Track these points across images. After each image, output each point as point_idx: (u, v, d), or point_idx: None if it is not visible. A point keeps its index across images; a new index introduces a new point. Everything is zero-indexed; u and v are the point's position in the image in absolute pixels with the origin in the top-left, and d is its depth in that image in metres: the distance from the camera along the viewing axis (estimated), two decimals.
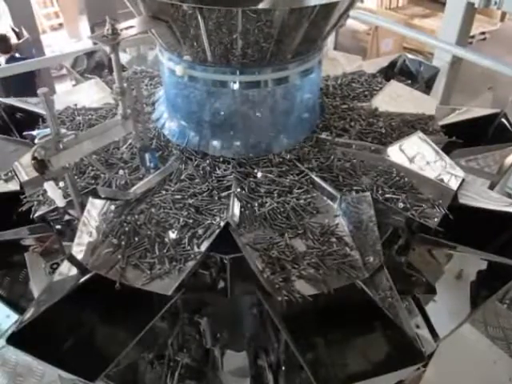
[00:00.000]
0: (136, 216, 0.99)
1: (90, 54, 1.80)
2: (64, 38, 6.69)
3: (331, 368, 0.72)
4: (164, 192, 1.04)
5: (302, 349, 0.74)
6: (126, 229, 0.96)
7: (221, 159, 1.11)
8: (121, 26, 0.87)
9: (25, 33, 5.02)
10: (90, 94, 1.37)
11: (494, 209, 1.08)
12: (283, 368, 0.97)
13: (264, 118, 1.11)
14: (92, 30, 5.52)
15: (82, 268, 0.88)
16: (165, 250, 0.91)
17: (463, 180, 1.09)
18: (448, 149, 1.23)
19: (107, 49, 0.84)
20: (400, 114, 1.34)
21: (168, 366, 0.97)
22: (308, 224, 0.96)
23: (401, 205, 1.03)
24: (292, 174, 1.07)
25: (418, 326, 1.12)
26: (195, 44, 1.00)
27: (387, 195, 1.05)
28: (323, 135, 1.21)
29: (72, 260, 0.88)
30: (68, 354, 0.72)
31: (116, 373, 1.04)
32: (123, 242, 0.93)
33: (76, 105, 1.33)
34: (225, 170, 1.08)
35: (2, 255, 1.25)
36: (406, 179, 1.09)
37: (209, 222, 0.96)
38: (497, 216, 1.07)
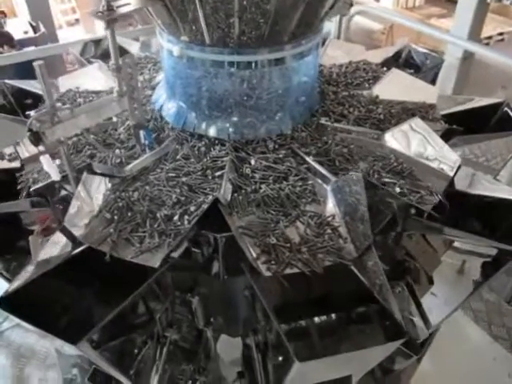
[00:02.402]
0: (130, 193, 1.00)
1: (97, 42, 1.83)
2: (80, 33, 6.79)
3: (310, 340, 0.72)
4: (159, 170, 1.05)
5: (284, 322, 0.74)
6: (120, 204, 0.97)
7: (216, 141, 1.11)
8: (117, 3, 0.88)
9: (41, 27, 5.14)
10: (93, 77, 1.40)
11: (492, 195, 1.07)
12: (270, 347, 0.97)
13: (260, 100, 1.11)
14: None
15: (73, 240, 0.90)
16: (155, 225, 0.92)
17: (460, 166, 1.08)
18: (447, 136, 1.22)
19: (103, 24, 0.85)
20: (400, 102, 1.34)
21: (157, 342, 0.98)
22: (303, 212, 0.96)
23: (397, 189, 1.02)
24: (288, 159, 1.07)
25: (410, 313, 1.11)
26: (192, 24, 1.01)
27: (384, 179, 1.04)
28: (322, 120, 1.21)
29: (64, 232, 0.90)
30: (53, 319, 0.74)
31: (112, 350, 1.06)
32: (116, 217, 0.95)
33: (78, 87, 1.35)
34: (220, 151, 1.09)
35: (8, 238, 1.27)
36: (404, 165, 1.09)
37: (201, 199, 0.97)
38: (495, 203, 1.06)
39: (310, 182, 1.03)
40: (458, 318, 2.09)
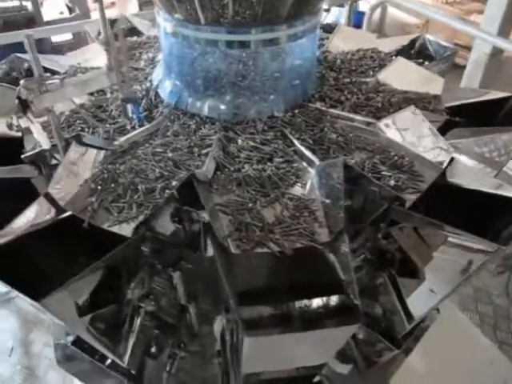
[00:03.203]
0: (117, 165, 1.03)
1: (113, 22, 1.86)
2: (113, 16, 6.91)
3: (264, 318, 0.72)
4: (148, 145, 1.07)
5: (242, 299, 0.74)
6: (106, 176, 1.00)
7: (208, 120, 1.12)
8: None
9: (77, 9, 5.28)
10: (98, 54, 1.42)
11: (484, 190, 1.03)
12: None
13: (253, 80, 1.11)
14: (140, 9, 5.75)
15: (56, 206, 0.93)
16: (135, 197, 0.94)
17: (453, 158, 1.05)
18: (446, 128, 1.19)
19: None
20: (403, 92, 1.30)
21: (132, 312, 1.01)
22: (283, 194, 0.95)
23: (392, 182, 1.00)
24: (276, 141, 1.07)
25: (392, 306, 1.09)
26: (186, 2, 1.01)
27: (381, 172, 1.02)
28: (317, 105, 1.20)
29: (47, 197, 0.93)
30: (21, 276, 0.77)
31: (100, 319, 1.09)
32: (99, 187, 0.97)
33: (79, 63, 1.38)
34: (209, 130, 1.09)
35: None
36: (405, 159, 1.06)
37: (183, 175, 0.98)
38: (487, 198, 1.02)
39: (295, 165, 1.03)
40: (460, 318, 2.04)
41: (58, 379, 1.73)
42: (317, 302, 0.75)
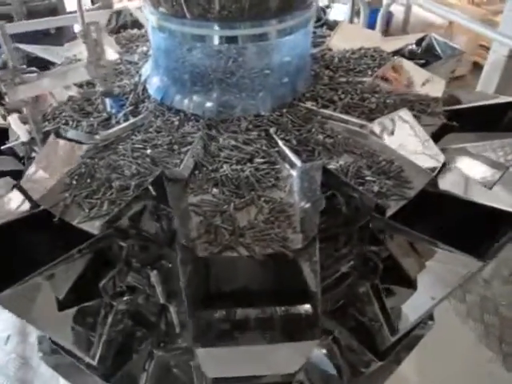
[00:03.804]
0: (96, 160, 1.01)
1: (118, 14, 1.86)
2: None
3: (218, 328, 0.69)
4: (128, 141, 1.05)
5: (197, 305, 0.72)
6: (82, 170, 0.98)
7: (192, 117, 1.10)
8: None
9: (99, 1, 5.33)
10: None
11: (476, 201, 0.98)
12: None
13: (240, 77, 1.08)
14: None
15: (29, 199, 0.92)
16: (108, 194, 0.92)
17: (444, 164, 1.00)
18: (442, 132, 1.13)
19: None
20: (401, 93, 1.25)
21: (105, 310, 0.99)
22: (259, 197, 0.92)
23: (375, 188, 0.96)
24: (260, 141, 1.03)
25: (374, 316, 1.05)
26: None
27: (365, 177, 0.97)
28: (307, 104, 1.16)
29: (21, 191, 0.92)
30: None
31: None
32: (74, 182, 0.96)
33: (75, 55, 1.37)
34: (192, 127, 1.07)
35: None
36: (394, 165, 1.01)
37: (159, 172, 0.96)
38: (479, 209, 0.97)
39: (276, 167, 0.99)
40: (458, 328, 1.97)
41: (51, 371, 1.74)
42: (275, 313, 0.72)
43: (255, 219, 0.88)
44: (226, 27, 1.02)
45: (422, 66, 1.49)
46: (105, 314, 0.99)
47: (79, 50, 1.43)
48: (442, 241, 0.92)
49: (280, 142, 1.03)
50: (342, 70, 1.33)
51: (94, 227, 0.85)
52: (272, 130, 1.06)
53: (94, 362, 0.99)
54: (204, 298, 0.75)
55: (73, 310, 0.94)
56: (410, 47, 1.58)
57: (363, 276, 1.04)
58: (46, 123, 1.09)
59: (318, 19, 1.56)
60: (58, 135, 0.98)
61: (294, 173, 0.97)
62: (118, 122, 1.09)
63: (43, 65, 1.43)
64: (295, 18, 1.06)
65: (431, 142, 1.02)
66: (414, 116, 1.09)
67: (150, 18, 1.07)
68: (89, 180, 0.96)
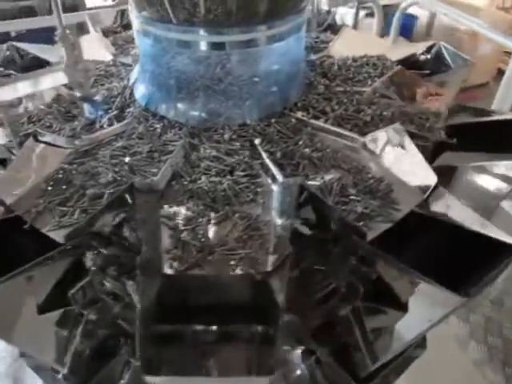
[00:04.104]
0: (75, 166, 0.99)
1: (122, 13, 1.84)
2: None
3: (171, 353, 0.66)
4: (109, 147, 1.02)
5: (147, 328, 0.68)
6: (60, 176, 0.96)
7: (176, 124, 1.06)
8: None
9: None
10: (90, 47, 1.39)
11: (469, 228, 0.91)
12: None
13: (227, 85, 1.04)
14: None
15: (1, 204, 0.90)
16: (81, 202, 0.90)
17: (437, 186, 0.94)
18: (439, 149, 1.07)
19: None
20: (401, 105, 1.19)
21: (74, 319, 0.97)
22: (234, 212, 0.88)
23: (359, 209, 0.90)
24: (243, 152, 0.99)
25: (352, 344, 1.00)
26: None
27: (350, 196, 0.92)
28: (298, 114, 1.11)
29: None
30: None
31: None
32: (50, 188, 0.94)
33: None
34: (174, 135, 1.03)
35: None
36: (383, 183, 0.95)
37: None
38: (470, 236, 0.90)
39: (257, 180, 0.95)
40: (454, 350, 1.89)
41: None
42: (231, 342, 0.68)
43: (227, 236, 0.84)
44: (212, 33, 0.98)
45: (429, 75, 1.43)
46: (75, 324, 0.97)
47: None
48: (427, 269, 0.86)
49: (264, 154, 0.98)
50: (340, 79, 1.28)
51: (60, 236, 0.83)
52: (257, 141, 1.02)
53: (64, 371, 0.97)
54: (159, 320, 0.72)
55: (41, 319, 0.92)
56: (420, 56, 1.52)
57: (345, 298, 0.99)
58: (31, 125, 1.08)
59: (321, 23, 1.51)
60: (36, 139, 0.96)
61: (274, 188, 0.93)
62: (101, 127, 1.07)
63: (41, 64, 1.43)
64: (286, 23, 1.02)
65: (423, 161, 0.96)
66: (409, 132, 1.03)
67: (134, 22, 1.04)
68: (64, 186, 0.94)
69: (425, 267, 0.85)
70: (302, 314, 0.94)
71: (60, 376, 1.10)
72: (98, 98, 1.04)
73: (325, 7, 1.53)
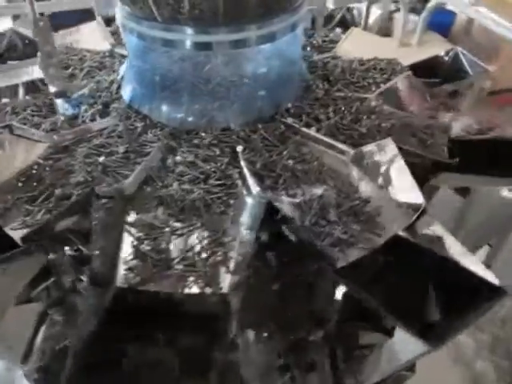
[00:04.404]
0: (51, 162, 0.96)
1: None
2: None
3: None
4: (87, 144, 0.99)
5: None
6: (33, 172, 0.94)
7: (158, 125, 1.02)
8: None
9: None
10: (89, 37, 1.37)
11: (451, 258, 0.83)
12: None
13: (214, 86, 0.98)
14: None
15: None
16: (47, 202, 0.87)
17: (425, 210, 0.85)
18: (435, 168, 0.98)
19: None
20: (404, 116, 1.10)
21: (39, 318, 0.96)
22: (202, 224, 0.83)
23: (336, 233, 0.81)
24: (221, 159, 0.94)
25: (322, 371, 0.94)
26: None
27: (330, 217, 0.85)
28: (289, 121, 1.04)
29: None
30: None
31: None
32: (20, 184, 0.92)
33: (71, 44, 1.33)
34: (154, 136, 0.99)
35: None
36: (369, 204, 0.88)
37: (104, 185, 0.89)
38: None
39: (231, 191, 0.89)
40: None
41: None
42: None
43: (189, 251, 0.79)
44: (198, 32, 0.92)
45: (443, 83, 1.33)
46: (38, 323, 0.96)
47: (75, 38, 1.39)
48: (402, 303, 0.79)
49: (243, 163, 0.93)
50: (342, 83, 1.19)
51: (18, 236, 0.81)
52: (239, 149, 0.96)
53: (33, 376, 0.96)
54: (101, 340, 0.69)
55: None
56: (437, 61, 1.42)
57: (317, 323, 0.94)
58: (13, 116, 1.06)
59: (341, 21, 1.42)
60: (11, 132, 0.94)
61: (248, 200, 0.87)
62: (83, 122, 1.04)
63: None
64: (279, 22, 0.95)
65: (413, 183, 0.88)
66: (401, 148, 0.94)
67: (117, 16, 0.99)
68: (35, 183, 0.92)
69: (399, 301, 0.78)
70: (270, 336, 0.89)
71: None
72: (81, 92, 1.00)
73: (330, 5, 1.43)
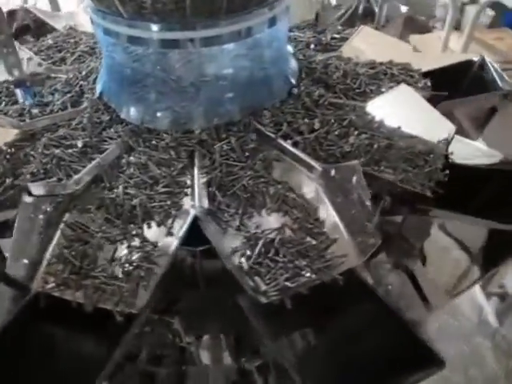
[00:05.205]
0: (12, 149, 0.95)
1: None
2: None
3: None
4: (49, 134, 0.97)
5: None
6: None
7: (123, 121, 0.97)
8: None
9: None
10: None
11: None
12: None
13: (181, 85, 0.92)
14: None
15: None
16: None
17: (378, 250, 0.74)
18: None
19: None
20: (404, 136, 0.95)
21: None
22: (136, 234, 0.78)
23: (280, 272, 0.73)
24: (173, 163, 0.87)
25: None
26: None
27: (277, 256, 0.75)
28: (265, 130, 0.94)
29: None
30: None
31: None
32: None
33: (75, 25, 1.32)
34: (116, 132, 0.95)
35: None
36: (327, 239, 0.77)
37: (55, 179, 0.87)
38: None
39: (176, 200, 0.83)
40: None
41: None
42: None
43: (112, 262, 0.75)
44: (164, 29, 0.85)
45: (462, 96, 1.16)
46: None
47: (79, 19, 1.38)
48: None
49: (196, 173, 0.85)
50: (341, 89, 1.07)
51: None
52: (197, 154, 0.89)
53: None
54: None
55: None
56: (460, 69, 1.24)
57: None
58: None
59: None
60: None
61: (192, 212, 0.80)
62: (52, 111, 1.02)
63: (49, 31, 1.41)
64: (256, 17, 0.86)
65: (374, 218, 0.77)
66: (373, 177, 0.83)
67: (87, 11, 0.95)
68: None
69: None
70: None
71: None
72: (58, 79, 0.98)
73: (333, 1, 1.29)
